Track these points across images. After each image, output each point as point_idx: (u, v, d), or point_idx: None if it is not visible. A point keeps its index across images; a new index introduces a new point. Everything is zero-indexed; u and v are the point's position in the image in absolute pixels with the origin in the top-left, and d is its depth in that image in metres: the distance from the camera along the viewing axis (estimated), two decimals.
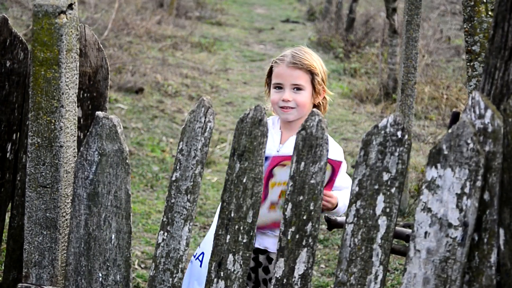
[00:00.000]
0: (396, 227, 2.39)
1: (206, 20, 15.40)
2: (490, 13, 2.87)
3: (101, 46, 3.03)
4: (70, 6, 2.60)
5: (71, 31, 2.61)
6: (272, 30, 15.01)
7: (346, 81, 10.28)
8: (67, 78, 2.62)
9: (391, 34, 8.59)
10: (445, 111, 8.49)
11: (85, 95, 3.02)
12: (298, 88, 2.99)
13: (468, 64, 2.93)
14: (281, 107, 3.01)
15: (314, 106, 3.07)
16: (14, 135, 3.11)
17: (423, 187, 2.15)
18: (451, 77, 9.69)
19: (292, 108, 2.99)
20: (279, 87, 3.03)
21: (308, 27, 15.37)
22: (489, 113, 2.09)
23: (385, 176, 2.26)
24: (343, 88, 9.88)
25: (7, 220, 3.21)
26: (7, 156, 3.12)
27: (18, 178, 3.09)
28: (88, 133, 2.60)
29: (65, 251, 2.71)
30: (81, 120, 3.01)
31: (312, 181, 2.38)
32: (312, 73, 2.99)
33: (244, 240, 2.48)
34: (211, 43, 12.55)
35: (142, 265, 4.69)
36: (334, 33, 12.79)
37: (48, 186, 2.65)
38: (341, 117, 8.61)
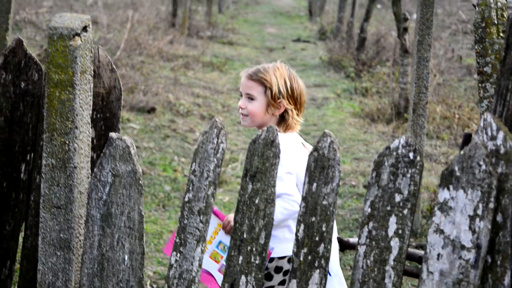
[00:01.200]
0: (409, 249, 2.39)
1: (218, 39, 15.48)
2: (501, 34, 2.87)
3: (114, 67, 3.06)
4: (84, 29, 2.63)
5: (85, 53, 2.64)
6: (284, 49, 15.07)
7: (357, 100, 10.28)
8: (81, 99, 2.64)
9: (402, 54, 8.60)
10: (457, 130, 8.47)
11: (98, 115, 3.04)
12: (250, 97, 3.18)
13: (479, 85, 2.93)
14: (241, 114, 3.22)
15: (281, 119, 3.17)
16: (28, 155, 3.14)
17: (436, 208, 2.15)
18: (462, 97, 9.67)
19: (246, 115, 3.19)
20: (241, 95, 3.25)
21: (319, 46, 15.42)
22: (501, 134, 2.09)
23: (397, 198, 2.26)
24: (354, 107, 9.89)
25: (20, 240, 3.22)
26: (21, 176, 3.14)
27: (32, 199, 3.11)
28: (101, 154, 2.61)
29: (78, 272, 2.72)
30: (94, 141, 3.03)
31: (324, 202, 2.38)
32: (265, 86, 3.14)
33: (257, 262, 2.48)
34: (222, 63, 12.60)
35: (155, 286, 4.69)
36: (345, 53, 12.82)
37: (62, 207, 2.67)
38: (352, 136, 8.61)
